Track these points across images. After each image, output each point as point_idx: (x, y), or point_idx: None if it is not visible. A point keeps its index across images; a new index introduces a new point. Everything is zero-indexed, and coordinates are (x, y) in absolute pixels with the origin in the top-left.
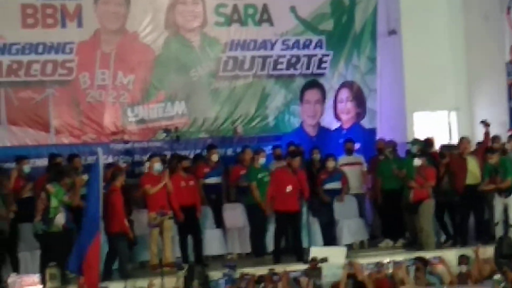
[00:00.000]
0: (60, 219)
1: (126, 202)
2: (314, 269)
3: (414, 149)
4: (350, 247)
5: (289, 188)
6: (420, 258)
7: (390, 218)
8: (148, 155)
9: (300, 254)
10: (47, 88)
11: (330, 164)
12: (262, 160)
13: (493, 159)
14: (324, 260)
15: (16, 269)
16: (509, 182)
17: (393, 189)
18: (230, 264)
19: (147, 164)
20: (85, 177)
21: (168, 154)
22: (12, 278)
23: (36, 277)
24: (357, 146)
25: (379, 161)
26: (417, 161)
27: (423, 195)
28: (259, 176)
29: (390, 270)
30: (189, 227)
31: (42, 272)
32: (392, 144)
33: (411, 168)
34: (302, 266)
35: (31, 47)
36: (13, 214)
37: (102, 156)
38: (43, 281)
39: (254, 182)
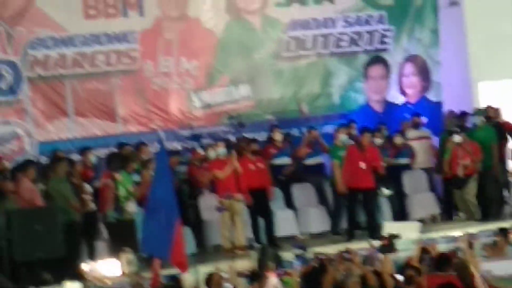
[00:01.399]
0: (131, 207)
1: (192, 187)
2: (387, 246)
3: (478, 119)
4: (421, 221)
5: (362, 165)
6: (502, 229)
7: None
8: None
9: (374, 231)
10: (112, 78)
11: (398, 140)
12: (343, 137)
13: None
14: (396, 236)
15: (91, 257)
16: None
17: None
18: (299, 244)
19: (212, 149)
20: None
21: (234, 138)
22: (89, 265)
23: (114, 263)
24: (424, 120)
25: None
26: (457, 138)
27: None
28: (340, 154)
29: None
30: (260, 210)
31: (117, 258)
32: (460, 115)
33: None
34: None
35: (94, 38)
36: (92, 204)
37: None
38: (121, 267)
39: (336, 160)
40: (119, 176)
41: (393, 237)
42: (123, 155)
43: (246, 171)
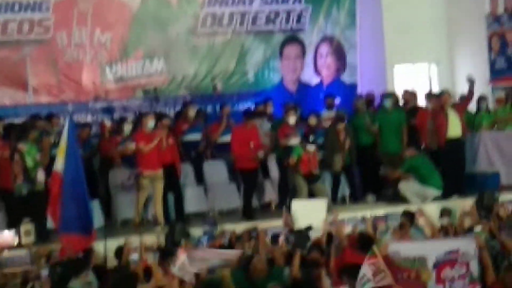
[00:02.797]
0: (41, 176)
1: (102, 160)
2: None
3: (388, 102)
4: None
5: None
6: (407, 213)
7: (369, 172)
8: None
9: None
10: (24, 47)
11: (312, 120)
12: None
13: None
14: (310, 228)
15: None
16: None
17: (366, 144)
18: (211, 221)
19: (127, 123)
20: (51, 138)
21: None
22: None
23: (10, 233)
24: (337, 101)
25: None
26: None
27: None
28: None
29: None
30: (170, 185)
31: (16, 228)
32: (367, 97)
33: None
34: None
35: (7, 6)
36: None
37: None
38: (18, 237)
39: None
40: (23, 146)
41: (308, 229)
42: (21, 125)
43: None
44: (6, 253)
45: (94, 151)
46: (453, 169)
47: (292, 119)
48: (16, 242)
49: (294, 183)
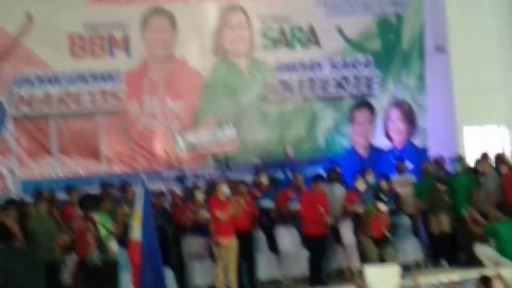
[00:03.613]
0: (114, 246)
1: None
2: None
3: (458, 166)
4: (406, 268)
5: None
6: (484, 278)
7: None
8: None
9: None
10: (97, 118)
11: (383, 185)
12: (224, 188)
13: None
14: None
15: None
16: None
17: None
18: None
19: (199, 191)
20: (126, 208)
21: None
22: None
23: None
24: (409, 165)
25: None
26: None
27: None
28: None
29: None
30: (243, 252)
31: None
32: (435, 160)
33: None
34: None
35: (80, 77)
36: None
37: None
38: None
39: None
40: (97, 216)
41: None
42: (96, 196)
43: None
44: None
45: (168, 219)
46: None
47: (360, 185)
48: None
49: (364, 247)
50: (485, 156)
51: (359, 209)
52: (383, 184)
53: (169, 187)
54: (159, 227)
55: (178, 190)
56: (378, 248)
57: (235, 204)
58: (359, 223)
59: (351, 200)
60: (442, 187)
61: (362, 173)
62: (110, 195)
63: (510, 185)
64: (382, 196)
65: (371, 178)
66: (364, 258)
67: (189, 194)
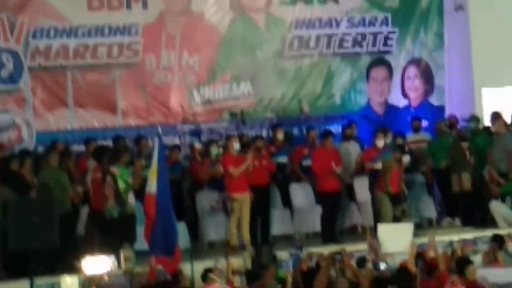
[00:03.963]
0: (132, 200)
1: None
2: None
3: (472, 126)
4: (419, 225)
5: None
6: (497, 237)
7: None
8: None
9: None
10: (113, 71)
11: (399, 142)
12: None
13: None
14: None
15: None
16: None
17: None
18: (296, 244)
19: (214, 146)
20: (143, 161)
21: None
22: (86, 260)
23: (111, 259)
24: (425, 123)
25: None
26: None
27: None
28: None
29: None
30: (258, 207)
31: (115, 254)
32: (449, 119)
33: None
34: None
35: (97, 30)
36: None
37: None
38: (118, 263)
39: None
40: (116, 170)
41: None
42: (114, 148)
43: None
44: (106, 279)
45: (184, 173)
46: None
47: (380, 142)
48: (116, 267)
49: (379, 204)
50: (498, 116)
51: (377, 165)
52: (399, 141)
53: (184, 141)
54: (174, 181)
55: (197, 144)
56: (394, 205)
57: (247, 159)
58: (376, 180)
59: (369, 157)
60: (465, 145)
61: (382, 130)
62: (127, 148)
63: None
64: (404, 148)
65: (389, 138)
66: (379, 215)
67: (207, 148)
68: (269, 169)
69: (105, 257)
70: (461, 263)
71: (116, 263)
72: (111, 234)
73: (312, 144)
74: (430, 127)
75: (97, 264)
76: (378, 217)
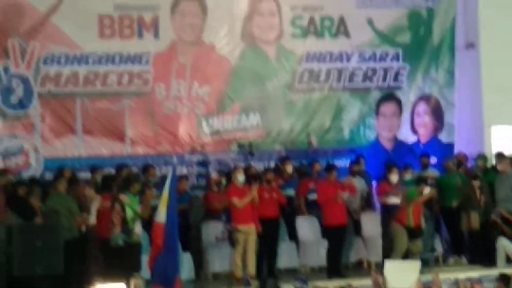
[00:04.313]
0: (139, 229)
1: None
2: None
3: (480, 164)
4: (425, 262)
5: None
6: (503, 276)
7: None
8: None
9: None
10: (123, 99)
11: (407, 175)
12: (239, 176)
13: None
14: None
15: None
16: None
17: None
18: (301, 277)
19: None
20: (153, 191)
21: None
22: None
23: (121, 286)
24: (433, 160)
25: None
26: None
27: None
28: None
29: None
30: (267, 240)
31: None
32: (457, 157)
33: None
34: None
35: (108, 58)
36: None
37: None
38: None
39: None
40: (125, 198)
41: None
42: (126, 177)
43: (260, 200)
44: None
45: (191, 203)
46: None
47: (394, 178)
48: None
49: (395, 237)
50: (502, 156)
51: (393, 200)
52: (407, 174)
53: (191, 171)
54: (182, 211)
55: (214, 174)
56: (412, 239)
57: (252, 191)
58: (393, 214)
59: (382, 191)
60: (476, 184)
61: (397, 166)
62: (138, 177)
63: None
64: (429, 179)
65: (409, 175)
66: (390, 250)
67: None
68: (279, 201)
69: (114, 285)
70: None
71: None
72: (116, 262)
73: (317, 177)
74: (438, 164)
75: None
76: (388, 252)
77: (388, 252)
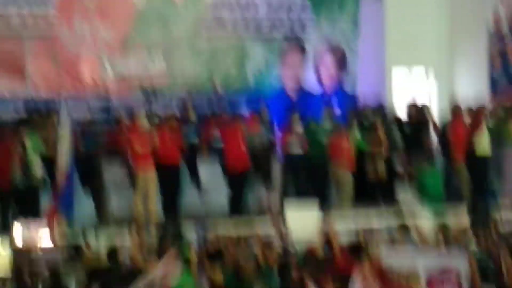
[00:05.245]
0: (39, 171)
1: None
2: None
3: None
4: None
5: None
6: (403, 226)
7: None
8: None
9: None
10: (26, 41)
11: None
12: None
13: None
14: None
15: None
16: None
17: None
18: (202, 223)
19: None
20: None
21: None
22: (20, 225)
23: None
24: (337, 111)
25: None
26: None
27: None
28: None
29: None
30: (170, 185)
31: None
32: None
33: None
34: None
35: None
36: None
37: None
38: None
39: None
40: (27, 140)
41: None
42: (32, 121)
43: (163, 146)
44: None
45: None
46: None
47: (298, 128)
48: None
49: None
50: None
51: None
52: None
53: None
54: (87, 154)
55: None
56: None
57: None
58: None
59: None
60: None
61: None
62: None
63: None
64: None
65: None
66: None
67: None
68: (180, 147)
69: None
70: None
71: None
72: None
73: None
74: (342, 115)
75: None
76: None
77: None
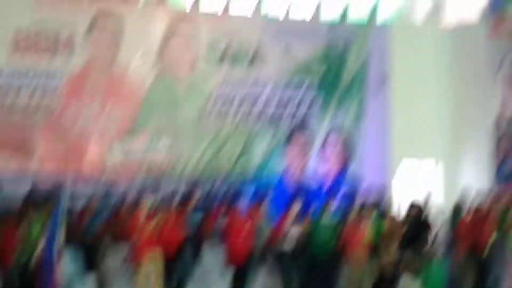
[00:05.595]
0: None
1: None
2: None
3: None
4: None
5: None
6: None
7: None
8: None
9: None
10: (34, 114)
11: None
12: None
13: None
14: None
15: None
16: None
17: None
18: None
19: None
20: None
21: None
22: None
23: None
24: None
25: None
26: None
27: None
28: None
29: None
30: (172, 268)
31: None
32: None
33: None
34: None
35: (21, 73)
36: None
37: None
38: None
39: None
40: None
41: None
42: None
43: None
44: None
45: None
46: None
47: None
48: None
49: None
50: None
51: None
52: None
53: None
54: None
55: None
56: None
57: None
58: None
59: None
60: None
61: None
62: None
63: None
64: None
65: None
66: None
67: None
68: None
69: None
70: None
71: None
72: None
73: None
74: (345, 196)
75: None
76: None
77: None
